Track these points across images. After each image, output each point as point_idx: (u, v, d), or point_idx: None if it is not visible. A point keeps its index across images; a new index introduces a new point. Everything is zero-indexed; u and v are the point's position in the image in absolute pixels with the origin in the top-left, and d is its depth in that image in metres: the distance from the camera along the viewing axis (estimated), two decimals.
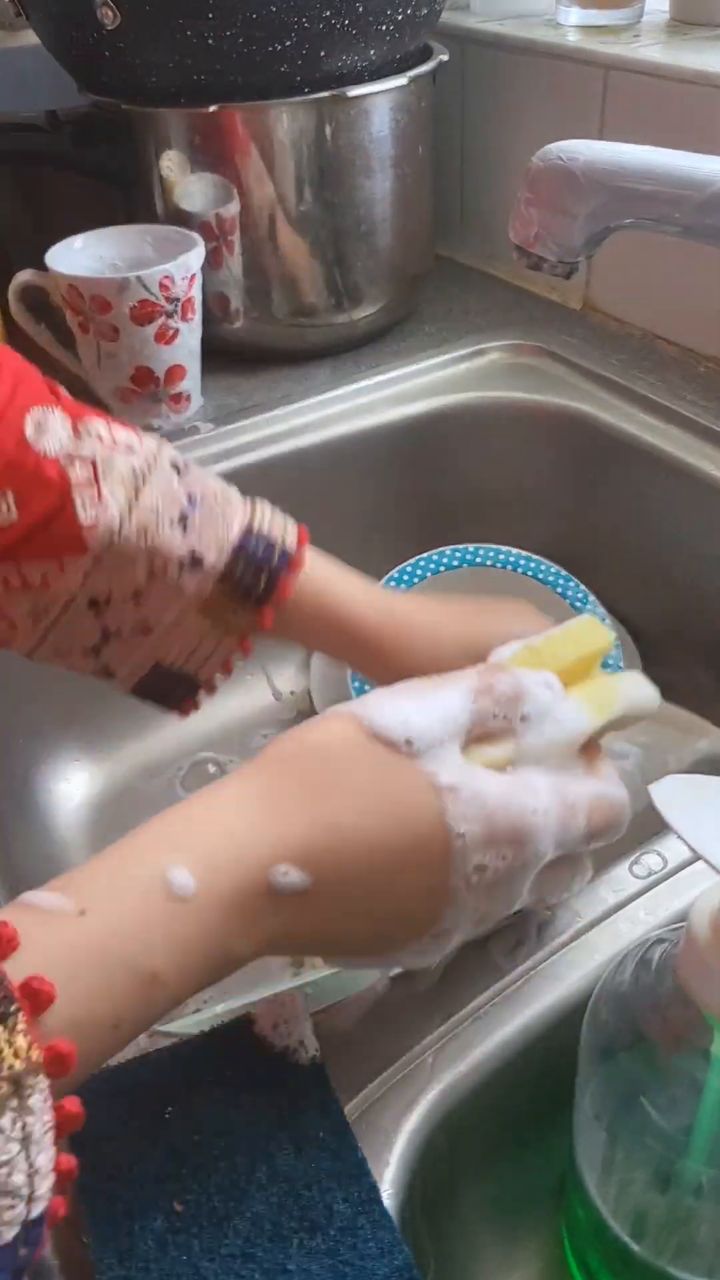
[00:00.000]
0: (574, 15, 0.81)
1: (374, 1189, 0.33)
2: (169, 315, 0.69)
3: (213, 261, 0.75)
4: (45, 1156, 0.24)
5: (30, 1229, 0.24)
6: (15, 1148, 0.23)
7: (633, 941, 0.36)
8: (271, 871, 0.30)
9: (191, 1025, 0.41)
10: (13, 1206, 0.24)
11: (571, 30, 0.81)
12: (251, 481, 0.73)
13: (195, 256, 0.70)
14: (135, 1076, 0.36)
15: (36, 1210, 0.24)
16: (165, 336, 0.70)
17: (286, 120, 0.71)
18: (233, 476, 0.72)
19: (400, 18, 0.70)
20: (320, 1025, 0.38)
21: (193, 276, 0.70)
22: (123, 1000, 0.27)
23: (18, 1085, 0.23)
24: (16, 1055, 0.24)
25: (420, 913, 0.33)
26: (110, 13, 0.66)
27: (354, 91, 0.71)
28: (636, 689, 0.39)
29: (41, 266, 0.69)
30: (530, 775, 0.34)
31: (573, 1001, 0.39)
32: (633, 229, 0.51)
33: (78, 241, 0.72)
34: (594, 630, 0.40)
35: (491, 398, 0.78)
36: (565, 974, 0.40)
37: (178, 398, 0.74)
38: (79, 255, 0.72)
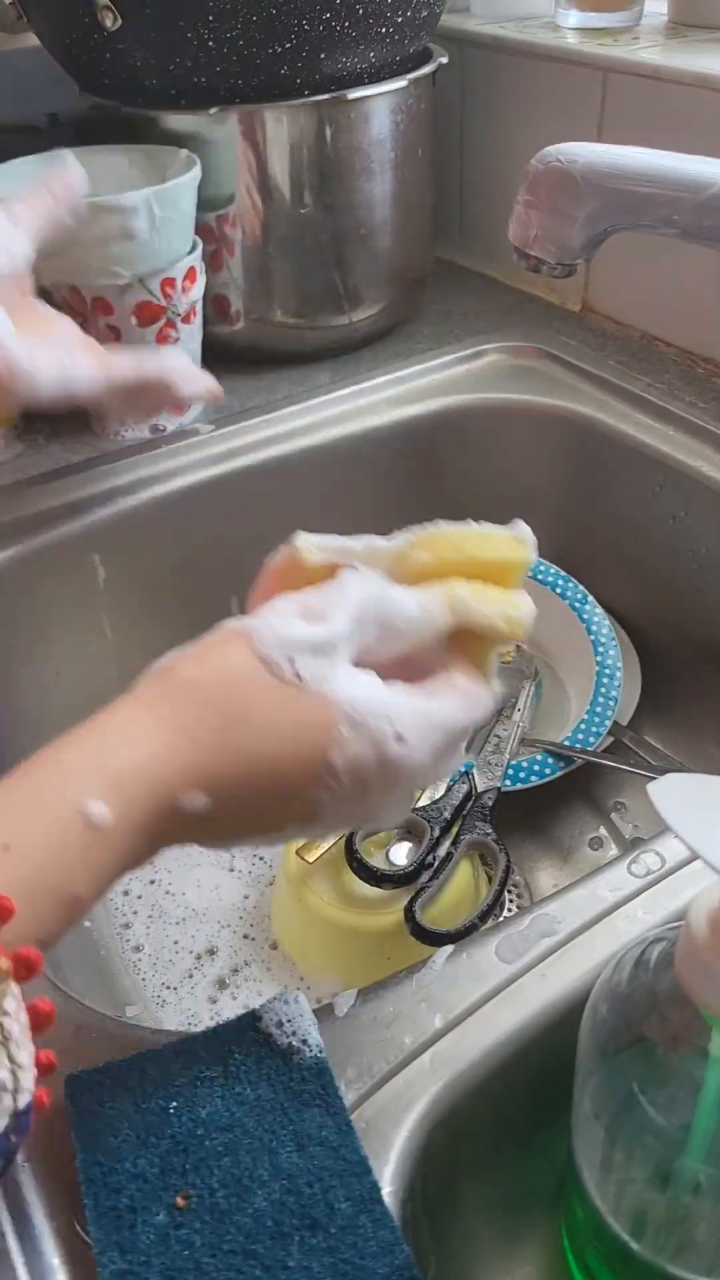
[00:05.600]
0: (573, 18, 0.81)
1: (375, 1187, 0.33)
2: (170, 317, 0.69)
3: (213, 264, 0.75)
4: (25, 1053, 0.27)
5: (19, 1118, 0.27)
6: None
7: (631, 941, 0.36)
8: (179, 798, 0.32)
9: None
10: (0, 1099, 0.26)
11: (570, 33, 0.81)
12: (252, 483, 0.73)
13: (196, 259, 0.70)
14: (139, 1071, 0.36)
15: (23, 1101, 0.27)
16: (166, 338, 0.70)
17: (286, 122, 0.71)
18: (233, 478, 0.73)
19: (400, 20, 0.70)
20: (323, 1023, 0.38)
21: (194, 279, 0.70)
22: (49, 923, 0.30)
23: None
24: None
25: (306, 815, 0.35)
26: (111, 15, 0.66)
27: (354, 94, 0.71)
28: (515, 607, 0.39)
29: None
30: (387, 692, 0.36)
31: (571, 1001, 0.39)
32: (631, 231, 0.51)
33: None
34: (504, 542, 0.40)
35: (491, 399, 0.78)
36: (564, 973, 0.40)
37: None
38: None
